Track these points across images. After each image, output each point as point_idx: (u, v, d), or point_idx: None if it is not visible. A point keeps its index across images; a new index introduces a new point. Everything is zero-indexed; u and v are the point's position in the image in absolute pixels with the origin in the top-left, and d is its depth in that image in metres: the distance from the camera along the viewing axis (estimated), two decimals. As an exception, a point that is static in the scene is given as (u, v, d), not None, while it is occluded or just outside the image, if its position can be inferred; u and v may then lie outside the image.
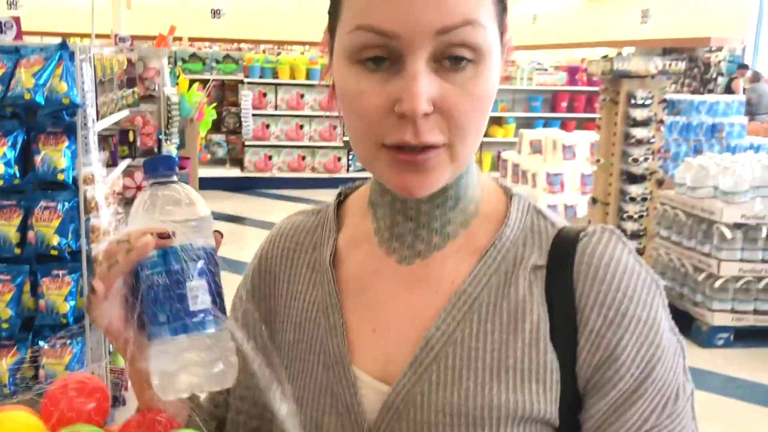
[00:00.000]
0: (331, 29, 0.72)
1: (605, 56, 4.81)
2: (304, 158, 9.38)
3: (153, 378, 0.63)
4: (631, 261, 0.73)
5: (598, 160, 4.88)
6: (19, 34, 2.97)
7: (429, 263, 0.77)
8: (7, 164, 2.84)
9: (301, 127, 9.27)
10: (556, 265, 0.74)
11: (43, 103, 2.78)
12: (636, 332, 0.71)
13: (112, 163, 3.90)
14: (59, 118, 2.92)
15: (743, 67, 12.07)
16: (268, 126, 9.20)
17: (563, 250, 0.74)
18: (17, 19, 2.94)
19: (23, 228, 2.95)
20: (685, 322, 4.80)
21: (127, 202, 5.48)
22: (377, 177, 0.74)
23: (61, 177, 2.91)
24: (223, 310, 0.64)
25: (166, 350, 0.61)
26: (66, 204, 2.95)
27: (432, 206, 0.76)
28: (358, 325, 0.78)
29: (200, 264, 0.62)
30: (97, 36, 5.27)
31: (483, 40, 0.65)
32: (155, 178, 0.65)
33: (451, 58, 0.65)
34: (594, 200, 4.98)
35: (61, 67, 2.82)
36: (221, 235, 0.78)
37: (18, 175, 2.89)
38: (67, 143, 2.92)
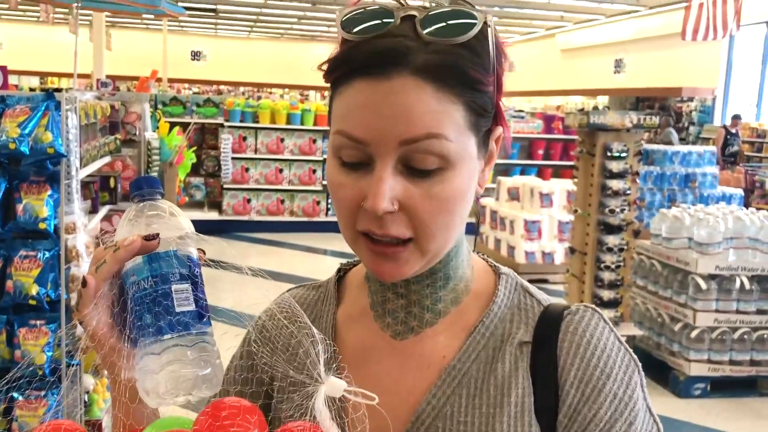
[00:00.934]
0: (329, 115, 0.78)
1: (581, 109, 4.93)
2: (282, 202, 9.38)
3: (139, 383, 0.64)
4: (611, 340, 0.78)
5: (575, 210, 4.96)
6: (5, 84, 2.98)
7: (422, 338, 0.82)
8: (-12, 213, 2.82)
9: (281, 170, 9.29)
10: (541, 340, 0.78)
11: (27, 152, 2.77)
12: (611, 408, 0.75)
13: (92, 210, 3.88)
14: (43, 167, 2.91)
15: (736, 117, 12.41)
16: (247, 169, 9.21)
17: (548, 327, 0.79)
18: (3, 69, 2.95)
19: (2, 277, 2.91)
20: (662, 372, 4.84)
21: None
22: (359, 258, 0.78)
23: (42, 226, 2.89)
24: (207, 317, 0.66)
25: (151, 351, 0.63)
26: (47, 253, 2.92)
27: (421, 286, 0.81)
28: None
29: (185, 269, 0.66)
30: (78, 76, 5.29)
31: (448, 150, 0.70)
32: (140, 196, 0.69)
33: (417, 165, 0.70)
34: (572, 250, 5.04)
35: (47, 117, 2.83)
36: (204, 253, 0.78)
37: (-1, 224, 2.87)
38: (49, 192, 2.91)
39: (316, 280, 0.96)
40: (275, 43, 22.26)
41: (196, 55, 21.73)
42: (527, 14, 14.79)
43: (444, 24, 0.71)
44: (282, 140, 9.24)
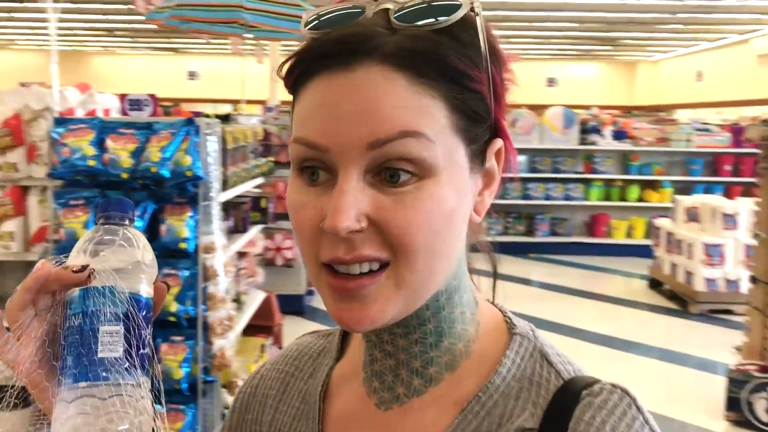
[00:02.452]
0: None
1: (765, 120, 4.34)
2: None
3: (52, 428, 0.57)
4: None
5: (756, 235, 4.37)
6: (155, 111, 3.16)
7: (406, 411, 0.67)
8: (135, 233, 2.99)
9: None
10: (549, 428, 0.60)
11: (168, 175, 2.92)
12: None
13: (242, 230, 4.03)
14: (184, 190, 3.05)
15: None
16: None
17: (560, 411, 0.61)
18: (153, 97, 3.14)
19: (147, 294, 3.08)
20: None
21: (266, 263, 5.69)
22: (323, 300, 0.64)
23: (183, 246, 3.02)
24: (142, 363, 0.58)
25: (65, 398, 0.56)
26: (186, 272, 3.05)
27: (409, 342, 0.66)
28: None
29: (119, 309, 0.57)
30: (258, 102, 5.56)
31: (428, 153, 0.57)
32: (105, 218, 0.61)
33: (389, 172, 0.57)
34: (754, 279, 4.44)
35: (187, 141, 2.96)
36: (168, 286, 0.72)
37: (145, 243, 3.03)
38: (190, 213, 3.04)
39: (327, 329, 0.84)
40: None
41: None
42: (717, 19, 13.64)
43: (419, 7, 0.57)
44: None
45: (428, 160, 0.57)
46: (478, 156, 0.62)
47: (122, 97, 3.16)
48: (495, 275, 0.74)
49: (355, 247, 0.58)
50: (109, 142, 2.98)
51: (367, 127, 0.56)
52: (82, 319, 0.57)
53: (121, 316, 0.57)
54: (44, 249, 3.22)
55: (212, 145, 3.12)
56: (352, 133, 0.56)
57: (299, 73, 0.60)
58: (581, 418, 0.59)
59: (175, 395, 3.04)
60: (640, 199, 9.64)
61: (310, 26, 0.60)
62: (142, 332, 0.58)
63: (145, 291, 0.60)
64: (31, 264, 3.31)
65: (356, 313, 0.60)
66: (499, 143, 0.64)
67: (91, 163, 2.95)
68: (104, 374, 0.56)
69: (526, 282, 8.28)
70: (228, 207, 3.73)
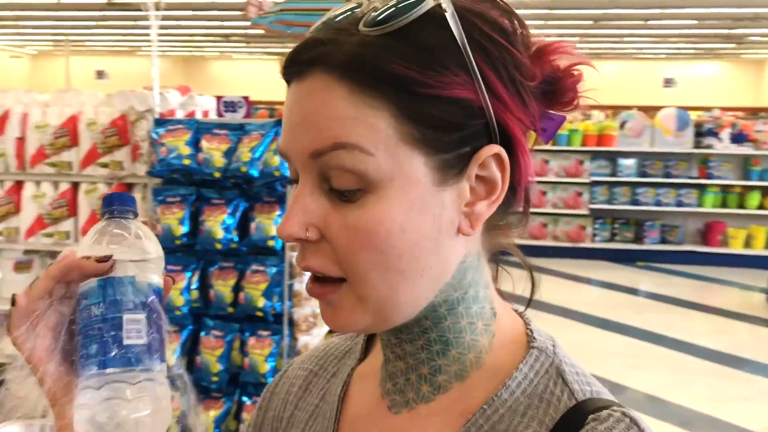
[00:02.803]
0: None
1: None
2: (545, 225, 9.11)
3: (75, 419, 0.59)
4: None
5: None
6: (248, 113, 3.27)
7: (414, 417, 0.66)
8: (227, 230, 3.11)
9: (544, 193, 9.05)
10: None
11: (257, 175, 3.01)
12: None
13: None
14: (273, 189, 3.14)
15: None
16: (510, 192, 9.13)
17: None
18: (247, 98, 3.25)
19: (237, 289, 3.19)
20: None
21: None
22: None
23: (270, 243, 3.11)
24: (162, 353, 0.61)
25: (91, 385, 0.58)
26: (273, 269, 3.14)
27: (415, 347, 0.65)
28: None
29: (141, 299, 0.60)
30: None
31: (366, 167, 0.56)
32: (110, 213, 0.64)
33: (336, 184, 0.58)
34: None
35: (276, 142, 3.04)
36: (173, 280, 0.73)
37: (236, 240, 3.15)
38: (278, 212, 3.12)
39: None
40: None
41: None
42: None
43: (384, 9, 0.55)
44: (546, 162, 8.99)
45: (367, 174, 0.56)
46: (455, 165, 0.58)
47: (218, 99, 3.29)
48: (533, 285, 0.70)
49: (306, 257, 0.59)
50: (204, 142, 3.11)
51: (308, 136, 0.57)
52: (105, 308, 0.59)
53: (143, 304, 0.60)
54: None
55: (301, 146, 3.19)
56: (299, 142, 0.58)
57: (285, 80, 0.61)
58: None
59: (260, 388, 3.13)
60: (761, 207, 9.03)
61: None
62: (159, 320, 0.61)
63: (156, 281, 0.62)
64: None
65: (331, 316, 0.61)
66: (492, 149, 0.58)
67: (187, 162, 3.10)
68: (132, 362, 0.58)
69: (632, 291, 7.95)
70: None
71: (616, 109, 10.69)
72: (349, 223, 0.57)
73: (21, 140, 3.57)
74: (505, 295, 0.70)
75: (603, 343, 6.19)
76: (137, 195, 3.54)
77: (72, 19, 14.86)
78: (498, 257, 0.69)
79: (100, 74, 18.11)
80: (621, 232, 9.22)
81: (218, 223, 3.10)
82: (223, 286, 3.19)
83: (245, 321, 3.21)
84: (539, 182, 9.05)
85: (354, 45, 0.55)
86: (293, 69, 0.58)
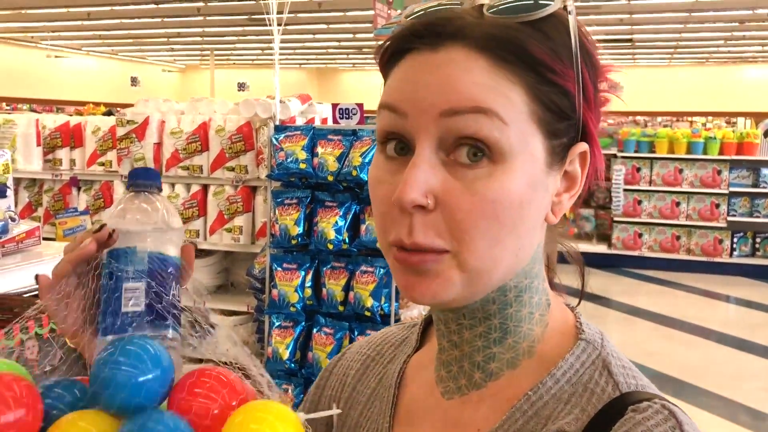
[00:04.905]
0: None
1: None
2: (678, 238, 8.63)
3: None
4: None
5: None
6: (362, 119, 3.39)
7: (465, 402, 0.69)
8: (338, 231, 3.25)
9: (678, 204, 8.57)
10: None
11: (366, 179, 3.11)
12: None
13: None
14: (383, 193, 3.23)
15: None
16: (640, 202, 8.72)
17: (603, 422, 0.60)
18: (361, 106, 3.37)
19: (347, 288, 3.31)
20: None
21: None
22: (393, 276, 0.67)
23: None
24: (162, 320, 0.62)
25: (98, 350, 0.60)
26: (382, 270, 3.23)
27: (473, 335, 0.67)
28: None
29: (143, 267, 0.62)
30: None
31: (500, 135, 0.58)
32: (134, 186, 0.66)
33: (464, 150, 0.58)
34: None
35: (386, 147, 3.14)
36: (195, 246, 0.74)
37: (347, 241, 3.27)
38: (388, 215, 3.21)
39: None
40: (698, 68, 20.74)
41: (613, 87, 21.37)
42: None
43: (511, 3, 0.61)
44: (680, 171, 8.53)
45: (500, 142, 0.58)
46: (558, 153, 0.62)
47: (334, 106, 3.44)
48: (583, 284, 0.73)
49: (414, 231, 0.58)
50: (319, 148, 3.26)
51: (443, 96, 0.58)
52: (109, 278, 0.62)
53: (143, 272, 0.62)
54: (264, 243, 3.61)
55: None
56: (429, 100, 0.58)
57: (391, 53, 0.63)
58: None
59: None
60: None
61: (411, 16, 0.64)
62: (167, 288, 0.63)
63: (172, 251, 0.64)
64: (253, 255, 3.74)
65: (419, 286, 0.61)
66: (583, 146, 0.63)
67: (303, 166, 3.26)
68: (127, 327, 0.60)
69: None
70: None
71: (759, 116, 9.96)
72: (475, 189, 0.58)
73: (158, 145, 3.90)
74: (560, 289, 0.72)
75: (740, 365, 5.79)
76: (259, 197, 3.77)
77: (216, 35, 15.87)
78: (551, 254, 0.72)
79: (241, 86, 19.17)
80: (763, 247, 8.58)
81: (330, 225, 3.24)
82: (334, 285, 3.32)
83: (354, 320, 3.33)
84: (672, 192, 8.61)
85: (493, 26, 0.59)
86: (428, 40, 0.60)
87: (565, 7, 0.60)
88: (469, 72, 0.58)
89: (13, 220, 1.31)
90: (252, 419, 0.53)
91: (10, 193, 1.38)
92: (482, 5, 0.61)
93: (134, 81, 18.59)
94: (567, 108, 0.60)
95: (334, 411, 0.59)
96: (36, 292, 0.66)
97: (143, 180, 0.66)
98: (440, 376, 0.71)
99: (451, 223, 0.58)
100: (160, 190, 0.67)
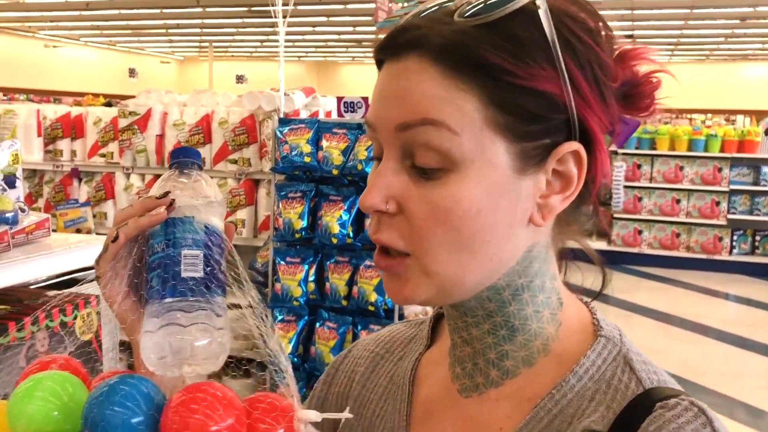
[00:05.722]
0: None
1: None
2: (678, 235, 8.64)
3: (141, 342, 0.63)
4: None
5: None
6: (367, 113, 3.36)
7: (484, 400, 0.69)
8: (342, 225, 3.23)
9: (678, 201, 8.58)
10: None
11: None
12: None
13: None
14: (388, 187, 3.21)
15: None
16: (640, 199, 8.74)
17: (631, 419, 0.59)
18: (366, 99, 3.34)
19: (351, 283, 3.30)
20: None
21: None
22: None
23: (384, 240, 3.18)
24: (217, 287, 0.64)
25: (153, 314, 0.63)
26: (386, 265, 3.21)
27: (481, 332, 0.67)
28: None
29: (199, 236, 0.65)
30: None
31: (450, 145, 0.59)
32: (177, 164, 0.70)
33: (420, 161, 0.60)
34: None
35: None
36: (235, 226, 0.76)
37: (351, 235, 3.25)
38: (392, 210, 3.19)
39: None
40: (698, 66, 20.73)
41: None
42: None
43: (474, 6, 0.59)
44: (681, 168, 8.54)
45: (451, 152, 0.58)
46: (534, 155, 0.60)
47: (339, 99, 3.41)
48: (603, 282, 0.72)
49: (379, 229, 0.63)
50: (324, 141, 3.24)
51: (398, 110, 0.60)
52: (165, 245, 0.64)
53: (200, 240, 0.64)
54: (267, 236, 3.58)
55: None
56: (388, 114, 0.61)
57: (377, 63, 0.65)
58: (647, 430, 0.57)
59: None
60: None
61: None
62: (219, 257, 0.65)
63: (217, 224, 0.67)
64: (256, 248, 3.72)
65: (393, 288, 0.64)
66: (572, 146, 0.61)
67: (307, 159, 3.24)
68: (189, 291, 0.63)
69: (773, 309, 7.39)
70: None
71: (759, 114, 9.96)
72: (429, 198, 0.59)
73: (161, 137, 3.87)
74: (574, 289, 0.71)
75: (740, 362, 5.80)
76: (262, 190, 3.74)
77: (215, 26, 15.80)
78: (566, 252, 0.71)
79: (240, 78, 19.10)
80: (763, 245, 8.59)
81: (335, 219, 3.22)
82: (338, 280, 3.30)
83: (358, 314, 3.31)
84: (672, 189, 8.60)
85: (450, 32, 0.59)
86: (390, 51, 0.62)
87: (533, 2, 0.58)
88: (420, 84, 0.59)
89: (23, 210, 1.29)
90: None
91: (19, 183, 1.36)
92: (454, 11, 0.60)
93: (132, 72, 18.51)
94: (540, 109, 0.59)
95: (347, 414, 0.60)
96: (43, 284, 0.65)
97: (185, 158, 0.69)
98: (455, 372, 0.71)
99: (411, 228, 0.60)
100: (201, 167, 0.70)
